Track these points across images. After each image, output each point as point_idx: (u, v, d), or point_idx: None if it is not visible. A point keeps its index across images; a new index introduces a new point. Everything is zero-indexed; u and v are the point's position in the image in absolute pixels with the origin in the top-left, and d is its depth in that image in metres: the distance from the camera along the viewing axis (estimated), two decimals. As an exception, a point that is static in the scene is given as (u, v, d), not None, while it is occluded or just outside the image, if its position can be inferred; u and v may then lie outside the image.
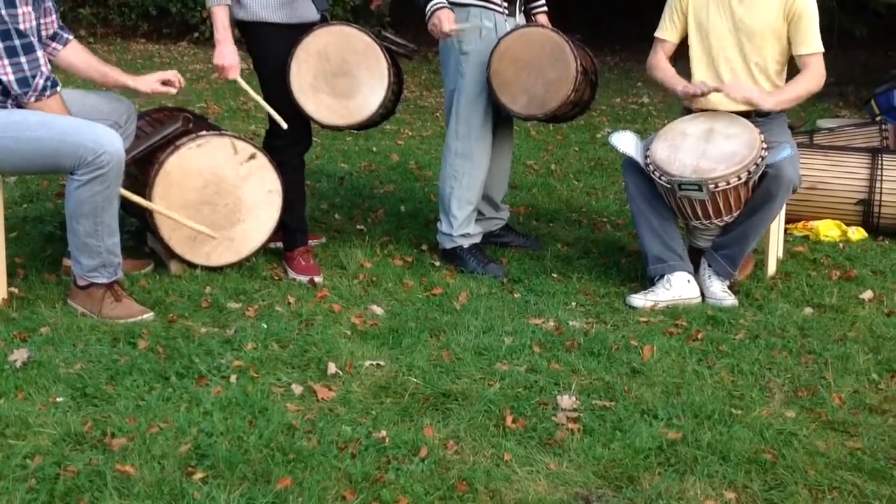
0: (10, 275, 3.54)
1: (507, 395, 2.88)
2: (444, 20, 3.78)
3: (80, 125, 3.23)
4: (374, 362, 3.06)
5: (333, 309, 3.52)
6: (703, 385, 3.01)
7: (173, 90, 3.61)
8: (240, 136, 3.81)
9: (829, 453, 2.62)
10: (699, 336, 3.40)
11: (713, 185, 3.58)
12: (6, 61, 3.17)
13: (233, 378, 2.91)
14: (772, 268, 4.08)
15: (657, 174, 3.68)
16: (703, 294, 3.76)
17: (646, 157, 3.75)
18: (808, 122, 6.67)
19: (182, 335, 3.20)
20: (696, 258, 3.86)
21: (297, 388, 2.87)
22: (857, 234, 4.62)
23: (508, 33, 3.88)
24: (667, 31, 3.95)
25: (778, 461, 2.57)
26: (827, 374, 3.12)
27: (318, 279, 3.81)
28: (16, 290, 3.47)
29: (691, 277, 3.76)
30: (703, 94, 3.76)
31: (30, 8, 3.21)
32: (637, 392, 2.94)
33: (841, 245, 4.51)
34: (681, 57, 3.98)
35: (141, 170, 3.69)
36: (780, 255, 4.27)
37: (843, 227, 4.65)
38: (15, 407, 2.65)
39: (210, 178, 3.69)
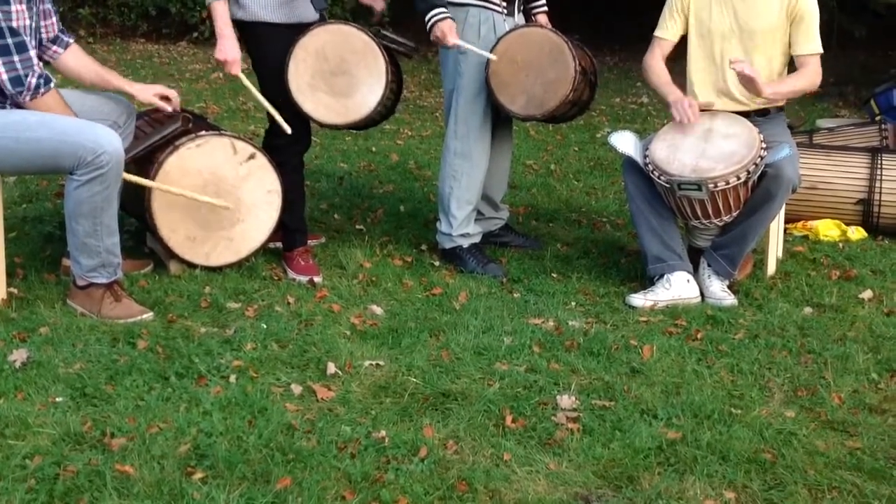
0: (10, 275, 3.54)
1: (507, 395, 2.87)
2: (448, 35, 3.78)
3: (80, 125, 3.22)
4: (374, 362, 3.06)
5: (333, 309, 3.52)
6: (703, 385, 3.01)
7: (168, 108, 3.61)
8: (239, 136, 3.81)
9: (829, 453, 2.62)
10: (699, 336, 3.40)
11: (712, 185, 3.58)
12: None
13: (232, 378, 2.91)
14: (771, 267, 4.08)
15: (656, 174, 3.68)
16: (702, 294, 3.76)
17: (645, 156, 3.75)
18: (807, 121, 6.68)
19: (181, 335, 3.20)
20: (695, 258, 3.86)
21: (297, 388, 2.87)
22: (857, 233, 4.62)
23: (507, 33, 3.88)
24: (667, 30, 3.94)
25: (777, 461, 2.57)
26: (826, 374, 3.12)
27: (317, 279, 3.81)
28: (15, 291, 3.47)
29: (691, 277, 3.76)
30: (689, 121, 3.72)
31: (23, 6, 3.20)
32: (637, 392, 2.94)
33: (840, 245, 4.51)
34: (679, 57, 3.98)
35: (140, 170, 3.68)
36: (780, 254, 4.27)
37: (843, 226, 4.65)
38: (14, 407, 2.65)
39: (209, 178, 3.69)
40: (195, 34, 10.60)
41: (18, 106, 3.24)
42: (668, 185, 3.65)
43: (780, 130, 3.87)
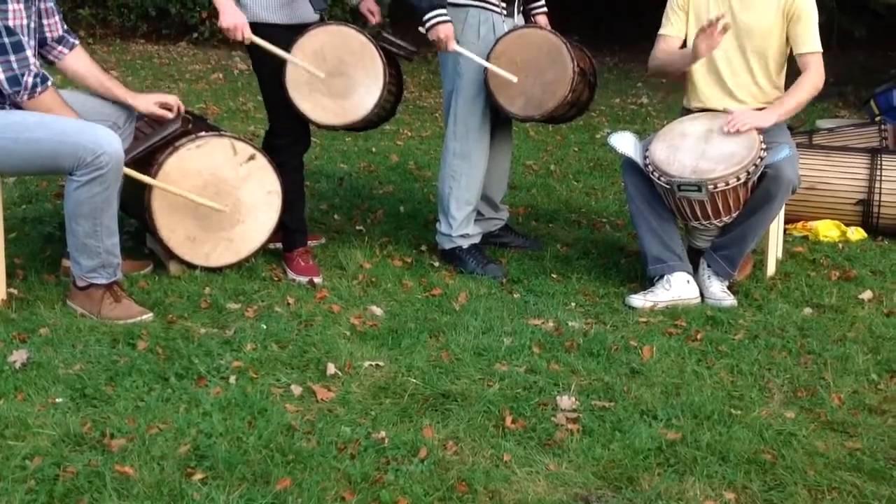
0: (10, 276, 3.54)
1: (507, 396, 2.87)
2: (448, 40, 3.77)
3: (79, 126, 3.22)
4: (374, 363, 3.06)
5: (333, 309, 3.52)
6: (703, 385, 3.01)
7: (170, 115, 3.60)
8: (239, 137, 3.81)
9: (829, 454, 2.62)
10: (698, 336, 3.40)
11: (712, 186, 3.58)
12: None
13: (232, 379, 2.91)
14: (771, 268, 4.08)
15: (656, 175, 3.68)
16: (702, 294, 3.76)
17: (645, 157, 3.75)
18: (807, 122, 6.68)
19: (181, 336, 3.20)
20: (695, 258, 3.86)
21: (297, 389, 2.87)
22: (857, 234, 4.63)
23: (506, 34, 3.88)
24: (671, 27, 3.92)
25: (777, 461, 2.57)
26: (826, 375, 3.12)
27: (317, 280, 3.81)
28: (15, 291, 3.47)
29: (690, 278, 3.76)
30: (718, 21, 3.58)
31: (20, 6, 3.19)
32: (636, 392, 2.94)
33: (840, 245, 4.51)
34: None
35: (140, 171, 3.67)
36: (780, 255, 4.27)
37: (843, 227, 4.65)
38: (14, 408, 2.65)
39: (209, 179, 3.69)
40: (195, 35, 10.59)
41: (17, 106, 3.24)
42: (667, 186, 3.65)
43: (780, 131, 3.87)
